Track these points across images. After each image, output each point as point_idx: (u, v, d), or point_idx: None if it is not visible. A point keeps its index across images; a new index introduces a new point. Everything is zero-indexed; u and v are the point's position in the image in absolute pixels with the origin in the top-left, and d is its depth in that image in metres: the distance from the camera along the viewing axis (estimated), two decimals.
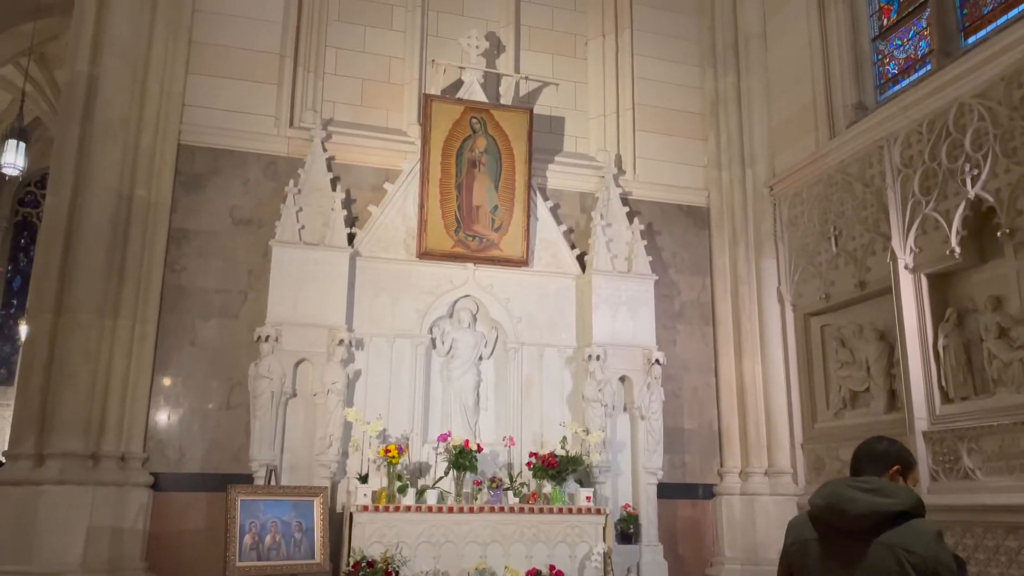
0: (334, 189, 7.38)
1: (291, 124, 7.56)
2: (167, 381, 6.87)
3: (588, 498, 6.94)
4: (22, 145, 11.17)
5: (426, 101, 7.65)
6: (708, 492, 8.08)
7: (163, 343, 6.87)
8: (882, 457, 2.48)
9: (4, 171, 11.57)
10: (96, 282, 6.49)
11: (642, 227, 8.09)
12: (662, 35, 8.89)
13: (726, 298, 8.32)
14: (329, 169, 7.47)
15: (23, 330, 15.45)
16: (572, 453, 7.05)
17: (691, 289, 8.47)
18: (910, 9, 7.36)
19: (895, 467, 2.46)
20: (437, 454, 7.03)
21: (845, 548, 2.29)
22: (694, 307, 8.44)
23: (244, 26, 7.60)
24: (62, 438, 6.19)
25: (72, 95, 6.83)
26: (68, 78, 7.02)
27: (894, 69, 7.50)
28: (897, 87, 7.33)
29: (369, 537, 6.35)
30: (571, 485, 7.08)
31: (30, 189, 18.42)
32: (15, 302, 18.19)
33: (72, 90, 6.85)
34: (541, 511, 6.77)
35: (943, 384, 6.27)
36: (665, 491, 7.65)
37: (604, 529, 6.84)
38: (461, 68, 8.02)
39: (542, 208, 7.92)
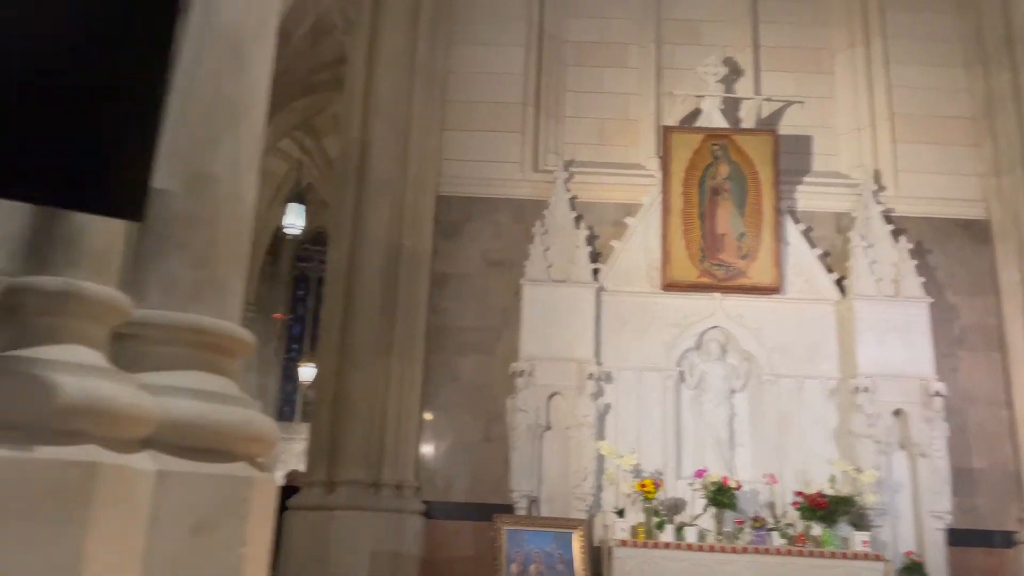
0: (577, 227, 7.56)
1: (535, 168, 7.90)
2: (432, 415, 7.37)
3: (864, 543, 6.38)
4: (301, 208, 12.66)
5: (665, 133, 7.65)
6: (1007, 540, 7.09)
7: (429, 380, 7.39)
8: None
9: (286, 231, 13.19)
10: (372, 325, 7.14)
11: (910, 246, 7.41)
12: (919, 39, 8.19)
13: (1018, 320, 7.32)
14: (572, 208, 7.68)
15: (301, 371, 17.48)
16: (842, 493, 6.55)
17: (972, 311, 7.58)
18: None
19: None
20: (693, 490, 6.85)
21: None
22: (977, 331, 7.54)
23: (490, 81, 8.11)
24: (349, 467, 6.83)
25: (347, 159, 7.67)
26: (343, 145, 7.91)
27: None
28: None
29: (629, 573, 6.29)
30: (842, 528, 6.56)
31: (306, 246, 20.85)
32: (295, 346, 20.56)
33: (347, 155, 7.69)
34: (811, 554, 6.32)
35: None
36: (953, 538, 6.83)
37: None
38: (699, 97, 7.94)
39: (792, 232, 7.56)
